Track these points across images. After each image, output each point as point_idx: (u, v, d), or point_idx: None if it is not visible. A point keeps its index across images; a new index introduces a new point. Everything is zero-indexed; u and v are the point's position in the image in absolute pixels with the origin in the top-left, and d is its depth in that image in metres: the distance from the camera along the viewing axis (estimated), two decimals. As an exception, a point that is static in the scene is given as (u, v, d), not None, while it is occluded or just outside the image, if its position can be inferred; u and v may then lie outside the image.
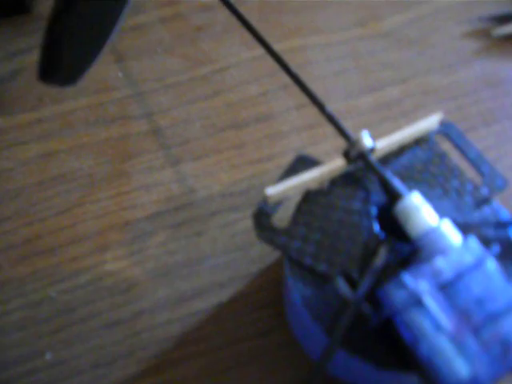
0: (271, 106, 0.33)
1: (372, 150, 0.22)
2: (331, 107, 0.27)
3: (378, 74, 0.36)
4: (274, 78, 0.35)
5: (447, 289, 0.17)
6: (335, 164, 0.22)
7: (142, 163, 0.31)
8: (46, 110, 0.35)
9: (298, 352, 0.24)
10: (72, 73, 0.25)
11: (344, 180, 0.22)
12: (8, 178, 0.32)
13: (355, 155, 0.21)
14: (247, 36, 0.28)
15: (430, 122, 0.23)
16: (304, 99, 0.26)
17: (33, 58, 0.38)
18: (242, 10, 0.35)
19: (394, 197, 0.20)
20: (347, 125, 0.28)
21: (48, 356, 0.25)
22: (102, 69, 0.36)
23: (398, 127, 0.29)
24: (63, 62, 0.24)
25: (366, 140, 0.21)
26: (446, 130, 0.24)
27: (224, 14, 0.33)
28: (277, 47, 0.33)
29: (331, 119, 0.23)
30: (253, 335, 0.25)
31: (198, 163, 0.31)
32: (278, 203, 0.22)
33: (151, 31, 0.38)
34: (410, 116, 0.33)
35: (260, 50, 0.29)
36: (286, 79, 0.27)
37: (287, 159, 0.29)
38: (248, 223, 0.28)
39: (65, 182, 0.31)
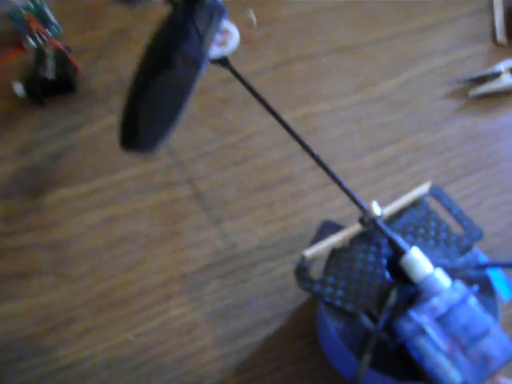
0: (292, 168, 0.41)
1: (380, 216, 0.29)
2: (340, 167, 0.34)
3: (377, 134, 0.43)
4: (292, 143, 0.42)
5: (442, 320, 0.24)
6: (353, 228, 0.29)
7: (190, 223, 0.38)
8: (101, 180, 0.42)
9: (332, 372, 0.31)
10: (151, 142, 0.30)
11: (361, 239, 0.29)
12: (80, 242, 0.38)
13: (368, 221, 0.28)
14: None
15: (422, 189, 0.30)
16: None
17: (83, 133, 0.45)
18: (257, 81, 0.43)
19: (399, 253, 0.27)
20: (355, 182, 0.36)
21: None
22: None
23: (396, 181, 0.37)
24: (143, 132, 0.29)
25: (376, 209, 0.28)
26: (434, 192, 0.31)
27: (243, 86, 0.40)
28: (290, 115, 0.41)
29: (349, 193, 0.30)
30: (295, 361, 0.32)
31: (237, 221, 0.38)
32: (313, 260, 0.29)
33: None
34: (406, 171, 0.41)
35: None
36: None
37: (309, 214, 0.36)
38: (283, 270, 0.36)
39: (127, 243, 0.38)
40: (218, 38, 0.38)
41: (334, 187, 0.38)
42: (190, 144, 0.43)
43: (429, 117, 0.44)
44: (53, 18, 0.54)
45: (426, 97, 0.46)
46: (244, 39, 0.40)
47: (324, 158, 0.38)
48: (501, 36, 0.51)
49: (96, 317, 0.35)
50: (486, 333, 0.24)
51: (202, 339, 0.33)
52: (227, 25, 0.39)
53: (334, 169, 0.36)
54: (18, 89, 0.48)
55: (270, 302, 0.34)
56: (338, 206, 0.37)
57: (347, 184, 0.30)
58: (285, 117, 0.40)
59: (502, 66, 0.46)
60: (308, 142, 0.38)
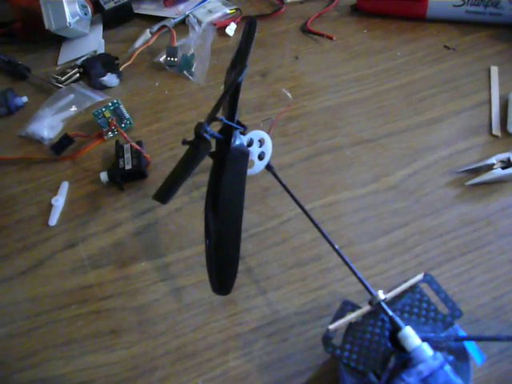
0: (320, 249, 0.52)
1: (384, 299, 0.39)
2: (358, 248, 0.45)
3: (389, 220, 0.54)
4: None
5: (425, 381, 0.35)
6: (365, 308, 0.40)
7: (243, 293, 0.50)
8: (172, 256, 0.54)
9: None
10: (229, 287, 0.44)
11: (370, 315, 0.40)
12: (157, 306, 0.50)
13: (375, 303, 0.39)
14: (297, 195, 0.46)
15: (417, 278, 0.41)
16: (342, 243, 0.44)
17: (155, 215, 0.58)
18: (292, 171, 0.55)
19: (397, 328, 0.38)
20: (369, 261, 0.47)
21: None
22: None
23: (403, 260, 0.47)
24: (226, 284, 0.43)
25: (381, 295, 0.39)
26: (427, 279, 0.41)
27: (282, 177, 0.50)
28: (319, 202, 0.52)
29: (361, 281, 0.41)
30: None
31: (278, 292, 0.49)
32: (335, 331, 0.40)
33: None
34: (411, 251, 0.51)
35: (308, 206, 0.47)
36: (328, 228, 0.45)
37: (334, 287, 0.47)
38: (314, 332, 0.46)
39: (194, 308, 0.50)
40: (258, 151, 0.49)
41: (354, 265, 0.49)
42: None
43: (432, 204, 0.55)
44: (126, 114, 0.68)
45: (431, 185, 0.56)
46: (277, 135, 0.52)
47: (345, 240, 0.49)
48: (496, 129, 0.61)
49: (172, 366, 0.46)
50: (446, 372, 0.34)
51: (254, 383, 0.44)
52: (261, 134, 0.50)
53: (353, 249, 0.48)
54: (103, 176, 0.61)
55: (305, 357, 0.45)
56: (355, 281, 0.48)
57: (363, 263, 0.41)
58: (314, 204, 0.52)
59: (494, 159, 0.56)
60: (332, 226, 0.50)
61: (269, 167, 0.49)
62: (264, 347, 0.46)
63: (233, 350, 0.46)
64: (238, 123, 0.45)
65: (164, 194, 0.41)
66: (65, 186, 0.62)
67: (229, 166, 0.43)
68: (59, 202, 0.60)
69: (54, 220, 0.59)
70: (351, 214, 0.54)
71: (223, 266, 0.42)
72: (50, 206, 0.60)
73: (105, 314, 0.50)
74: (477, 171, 0.56)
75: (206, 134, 0.39)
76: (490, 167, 0.56)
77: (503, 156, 0.56)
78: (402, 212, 0.54)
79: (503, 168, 0.55)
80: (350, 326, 0.40)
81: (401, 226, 0.53)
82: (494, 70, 0.68)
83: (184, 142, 0.41)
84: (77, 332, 0.49)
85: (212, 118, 0.41)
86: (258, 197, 0.57)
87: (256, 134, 0.49)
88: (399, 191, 0.56)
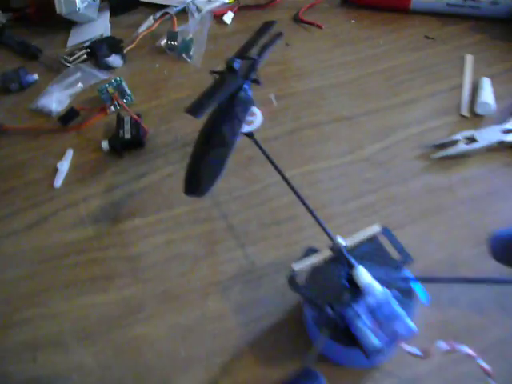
0: (296, 211, 0.57)
1: (345, 246, 0.45)
2: (330, 210, 0.51)
3: (360, 187, 0.59)
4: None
5: (372, 311, 0.40)
6: (326, 252, 0.45)
7: (224, 247, 0.55)
8: (163, 214, 0.60)
9: (310, 343, 0.47)
10: (205, 190, 0.48)
11: (331, 259, 0.46)
12: (147, 256, 0.56)
13: (336, 249, 0.45)
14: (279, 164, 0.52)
15: (375, 229, 0.46)
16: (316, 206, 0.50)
17: (149, 179, 0.63)
18: (276, 143, 0.60)
19: (351, 267, 0.43)
20: (339, 221, 0.52)
21: None
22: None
23: (371, 221, 0.52)
24: (200, 184, 0.47)
25: (341, 241, 0.45)
26: (384, 231, 0.47)
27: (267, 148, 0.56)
28: (298, 171, 0.58)
29: (325, 231, 0.46)
30: (288, 338, 0.48)
31: (256, 246, 0.55)
32: (299, 273, 0.45)
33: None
34: (378, 213, 0.56)
35: (288, 173, 0.52)
36: (304, 193, 0.50)
37: (306, 243, 0.53)
38: (285, 280, 0.52)
39: (181, 259, 0.55)
40: (248, 119, 0.55)
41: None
42: (226, 190, 0.60)
43: (400, 174, 0.60)
44: (128, 90, 0.74)
45: (400, 158, 0.62)
46: (266, 115, 0.58)
47: (319, 203, 0.55)
48: (464, 110, 0.66)
49: (158, 307, 0.52)
50: (397, 319, 0.40)
51: (229, 322, 0.50)
52: (254, 109, 0.56)
53: (326, 211, 0.53)
54: (104, 145, 0.67)
55: (275, 301, 0.51)
56: (326, 239, 0.54)
57: (334, 223, 0.47)
58: (294, 172, 0.58)
59: (459, 136, 0.62)
60: (308, 191, 0.56)
61: (251, 135, 0.55)
62: (240, 292, 0.52)
63: (212, 295, 0.52)
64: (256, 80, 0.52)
65: (196, 109, 0.46)
66: (69, 153, 0.68)
67: (236, 101, 0.49)
68: (64, 166, 0.66)
69: (58, 182, 0.65)
70: (327, 181, 0.60)
71: (208, 169, 0.48)
72: (56, 170, 0.66)
73: (100, 262, 0.56)
74: (443, 146, 0.62)
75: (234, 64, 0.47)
76: (455, 143, 0.61)
77: (468, 133, 0.62)
78: (372, 180, 0.59)
79: (467, 144, 0.61)
80: (313, 269, 0.46)
81: (370, 192, 0.58)
82: (469, 58, 0.73)
83: (213, 72, 0.48)
84: (75, 277, 0.55)
85: (242, 54, 0.48)
86: (242, 164, 0.63)
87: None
88: (371, 163, 0.61)
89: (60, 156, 0.68)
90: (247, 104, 0.53)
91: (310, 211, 0.48)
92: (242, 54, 0.52)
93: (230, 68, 0.51)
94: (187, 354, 0.48)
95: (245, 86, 0.52)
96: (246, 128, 0.54)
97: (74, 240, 0.58)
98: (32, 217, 0.61)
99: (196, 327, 0.50)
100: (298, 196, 0.50)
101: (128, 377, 0.47)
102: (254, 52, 0.55)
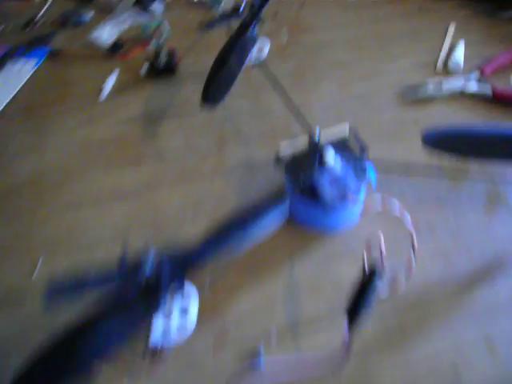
0: (289, 121, 0.72)
1: (318, 140, 0.60)
2: (317, 118, 0.66)
3: (343, 112, 0.74)
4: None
5: (333, 179, 0.55)
6: (304, 140, 0.60)
7: (230, 146, 0.71)
8: (185, 119, 0.76)
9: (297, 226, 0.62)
10: (218, 101, 0.64)
11: (308, 148, 0.61)
12: (170, 144, 0.72)
13: (312, 136, 0.60)
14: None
15: (345, 126, 0.61)
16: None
17: (178, 96, 0.79)
18: (280, 77, 0.75)
19: (322, 149, 0.58)
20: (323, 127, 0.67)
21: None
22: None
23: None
24: (211, 94, 0.63)
25: (318, 134, 0.60)
26: (351, 129, 0.62)
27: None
28: (296, 100, 0.72)
29: (301, 119, 0.61)
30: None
31: (255, 147, 0.70)
32: (285, 154, 0.60)
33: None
34: (354, 132, 0.71)
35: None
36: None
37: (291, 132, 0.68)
38: (274, 171, 0.67)
39: (203, 150, 0.71)
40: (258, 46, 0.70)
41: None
42: (236, 107, 0.76)
43: (377, 106, 0.75)
44: (166, 29, 0.90)
45: (379, 94, 0.76)
46: (276, 48, 0.73)
47: (309, 119, 0.69)
48: (439, 65, 0.81)
49: (176, 181, 0.68)
50: (344, 177, 0.55)
51: (229, 197, 0.65)
52: (264, 40, 0.71)
53: (312, 118, 0.68)
54: (143, 70, 0.83)
55: (266, 186, 0.66)
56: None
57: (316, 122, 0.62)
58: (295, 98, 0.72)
59: (429, 82, 0.76)
60: (304, 109, 0.70)
61: (260, 64, 0.70)
62: (239, 178, 0.67)
63: (217, 178, 0.67)
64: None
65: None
66: (114, 75, 0.84)
67: (244, 38, 0.64)
68: (109, 83, 0.83)
69: (104, 94, 0.81)
70: (319, 108, 0.75)
71: (219, 86, 0.63)
72: (102, 87, 0.82)
73: (134, 149, 0.72)
74: (415, 89, 0.76)
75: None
76: (425, 87, 0.76)
77: (437, 81, 0.76)
78: (352, 110, 0.74)
79: (434, 89, 0.75)
80: (293, 156, 0.61)
81: (350, 114, 0.73)
82: (452, 26, 0.87)
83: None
84: (114, 157, 0.71)
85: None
86: (251, 90, 0.78)
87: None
88: (356, 96, 0.76)
89: (106, 76, 0.84)
90: (253, 40, 0.68)
91: (297, 112, 0.63)
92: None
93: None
94: (194, 213, 0.63)
95: (251, 27, 0.67)
96: (255, 54, 0.70)
97: (113, 134, 0.74)
98: (82, 117, 0.78)
99: (203, 199, 0.65)
100: (292, 106, 0.65)
101: (149, 224, 0.62)
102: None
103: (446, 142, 0.54)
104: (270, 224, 0.46)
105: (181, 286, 0.42)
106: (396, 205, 0.53)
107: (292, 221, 0.59)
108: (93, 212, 0.64)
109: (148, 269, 0.41)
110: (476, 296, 0.52)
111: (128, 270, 0.41)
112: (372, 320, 0.50)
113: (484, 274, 0.54)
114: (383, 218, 0.55)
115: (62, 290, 0.40)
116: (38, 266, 0.58)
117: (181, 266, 0.43)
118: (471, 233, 0.58)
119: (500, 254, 0.56)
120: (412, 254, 0.50)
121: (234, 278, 0.55)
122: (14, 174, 0.70)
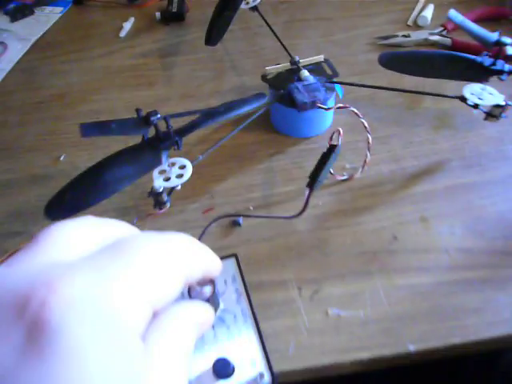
0: (279, 55, 0.86)
1: (299, 61, 0.73)
2: (299, 53, 0.80)
3: (322, 51, 0.88)
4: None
5: (306, 86, 0.69)
6: (287, 65, 0.74)
7: (227, 76, 0.85)
8: (191, 55, 0.89)
9: (273, 130, 0.75)
10: (216, 40, 0.79)
11: (289, 70, 0.74)
12: (176, 72, 0.86)
13: (293, 62, 0.73)
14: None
15: (320, 57, 0.75)
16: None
17: (186, 39, 0.93)
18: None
19: (300, 70, 0.72)
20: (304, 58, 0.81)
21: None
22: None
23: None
24: (212, 35, 0.78)
25: (298, 60, 0.73)
26: (326, 61, 0.75)
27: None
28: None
29: (287, 51, 0.75)
30: (260, 129, 0.77)
31: (247, 76, 0.84)
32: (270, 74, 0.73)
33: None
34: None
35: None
36: None
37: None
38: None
39: (199, 78, 0.85)
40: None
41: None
42: (235, 46, 0.90)
43: (353, 51, 0.88)
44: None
45: (356, 43, 0.90)
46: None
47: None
48: (410, 21, 0.94)
49: (180, 99, 0.81)
50: (318, 92, 0.68)
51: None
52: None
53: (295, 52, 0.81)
54: (157, 15, 0.97)
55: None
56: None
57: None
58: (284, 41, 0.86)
59: (399, 34, 0.90)
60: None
61: (256, 9, 0.84)
62: (233, 97, 0.80)
63: (214, 97, 0.81)
64: None
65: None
66: (131, 20, 0.98)
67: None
68: (128, 25, 0.97)
69: (123, 33, 0.95)
70: (303, 51, 0.89)
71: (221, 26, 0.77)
72: (122, 27, 0.96)
73: (145, 76, 0.86)
74: (386, 38, 0.90)
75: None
76: (395, 37, 0.89)
77: (403, 32, 0.90)
78: (332, 52, 0.88)
79: (403, 38, 0.89)
80: (276, 74, 0.74)
81: (328, 56, 0.86)
82: (426, -9, 1.01)
83: None
84: (129, 82, 0.85)
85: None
86: (248, 35, 0.92)
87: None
88: (335, 43, 0.90)
89: (125, 21, 0.98)
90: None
91: (284, 47, 0.77)
92: None
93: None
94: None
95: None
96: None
97: (129, 64, 0.88)
98: (103, 50, 0.92)
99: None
100: (283, 45, 0.78)
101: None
102: None
103: (397, 61, 0.68)
104: (254, 103, 0.60)
105: (179, 145, 0.56)
106: (360, 116, 0.66)
107: (274, 130, 0.72)
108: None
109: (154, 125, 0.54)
110: (417, 186, 0.65)
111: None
112: (330, 196, 0.64)
113: (426, 172, 0.67)
114: (348, 128, 0.68)
115: (94, 126, 0.53)
116: (60, 159, 0.72)
117: (180, 131, 0.57)
118: (420, 145, 0.71)
119: (441, 161, 0.69)
120: (368, 152, 0.63)
121: (220, 167, 0.69)
122: (45, 90, 0.84)
